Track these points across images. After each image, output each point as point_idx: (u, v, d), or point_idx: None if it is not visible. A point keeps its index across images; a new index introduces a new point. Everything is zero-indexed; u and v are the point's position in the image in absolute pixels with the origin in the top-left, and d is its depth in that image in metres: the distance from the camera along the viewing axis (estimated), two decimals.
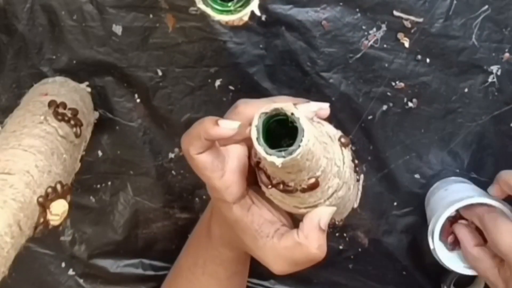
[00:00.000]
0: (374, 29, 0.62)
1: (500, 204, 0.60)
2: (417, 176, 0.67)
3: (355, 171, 0.52)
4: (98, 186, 0.69)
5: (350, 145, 0.51)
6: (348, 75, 0.64)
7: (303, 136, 0.41)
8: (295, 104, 0.44)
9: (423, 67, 0.63)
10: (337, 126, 0.65)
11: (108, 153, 0.68)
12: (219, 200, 0.50)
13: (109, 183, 0.69)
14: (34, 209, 0.49)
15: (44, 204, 0.50)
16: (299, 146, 0.41)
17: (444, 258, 0.63)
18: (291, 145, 0.42)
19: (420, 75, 0.64)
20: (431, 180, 0.67)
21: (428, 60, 0.63)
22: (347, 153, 0.50)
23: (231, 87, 0.65)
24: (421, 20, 0.62)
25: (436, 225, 0.61)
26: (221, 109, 0.65)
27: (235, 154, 0.50)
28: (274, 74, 0.64)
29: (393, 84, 0.64)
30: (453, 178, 0.66)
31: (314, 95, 0.65)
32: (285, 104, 0.42)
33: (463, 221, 0.64)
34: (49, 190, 0.51)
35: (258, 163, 0.49)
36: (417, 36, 0.62)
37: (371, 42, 0.63)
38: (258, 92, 0.65)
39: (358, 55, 0.63)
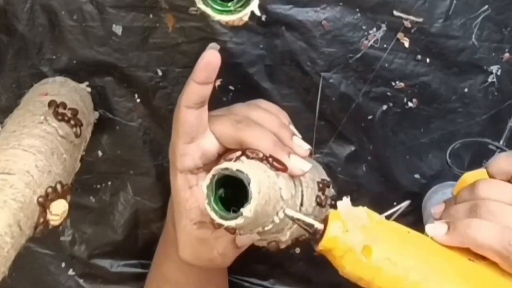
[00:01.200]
0: (374, 29, 0.62)
1: None
2: (417, 176, 0.67)
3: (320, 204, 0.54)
4: (98, 186, 0.69)
5: (328, 188, 0.53)
6: (348, 75, 0.64)
7: (250, 201, 0.42)
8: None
9: (423, 67, 0.63)
10: (337, 126, 0.66)
11: (108, 153, 0.68)
12: (172, 163, 0.53)
13: (109, 183, 0.69)
14: (34, 209, 0.49)
15: (44, 204, 0.50)
16: (250, 210, 0.42)
17: None
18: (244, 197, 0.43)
19: (420, 75, 0.64)
20: (431, 181, 0.67)
21: (428, 60, 0.63)
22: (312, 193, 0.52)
23: (231, 87, 0.65)
24: (421, 20, 0.62)
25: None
26: None
27: (212, 142, 0.52)
28: (274, 74, 0.64)
29: (393, 84, 0.64)
30: (450, 182, 0.66)
31: (314, 95, 0.65)
32: (234, 164, 0.44)
33: None
34: (49, 190, 0.51)
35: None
36: (417, 36, 0.62)
37: (371, 42, 0.63)
38: (258, 92, 0.65)
39: (358, 55, 0.63)
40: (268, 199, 0.45)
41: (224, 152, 0.53)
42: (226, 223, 0.43)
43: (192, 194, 0.53)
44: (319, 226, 0.44)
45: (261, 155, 0.48)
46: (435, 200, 0.64)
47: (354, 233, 0.43)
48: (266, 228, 0.48)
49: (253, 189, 0.42)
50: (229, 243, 0.52)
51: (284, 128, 0.53)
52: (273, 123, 0.53)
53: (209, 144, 0.52)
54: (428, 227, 0.48)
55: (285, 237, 0.51)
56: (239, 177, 0.43)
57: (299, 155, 0.51)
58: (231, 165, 0.43)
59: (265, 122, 0.52)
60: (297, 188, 0.51)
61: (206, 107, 0.51)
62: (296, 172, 0.50)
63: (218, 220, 0.43)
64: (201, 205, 0.51)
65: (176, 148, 0.52)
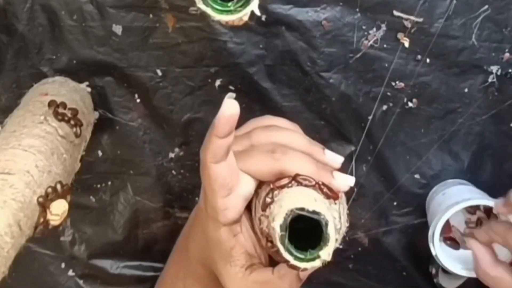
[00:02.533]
0: (374, 29, 0.62)
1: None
2: (417, 176, 0.67)
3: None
4: (98, 186, 0.69)
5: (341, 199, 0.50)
6: (348, 75, 0.64)
7: (328, 244, 0.41)
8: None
9: (423, 67, 0.63)
10: (337, 126, 0.66)
11: (108, 153, 0.68)
12: (211, 217, 0.50)
13: (109, 183, 0.69)
14: (34, 209, 0.49)
15: (44, 204, 0.50)
16: (328, 254, 0.41)
17: (447, 263, 0.63)
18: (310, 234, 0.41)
19: (420, 75, 0.64)
20: (431, 180, 0.67)
21: (428, 60, 0.63)
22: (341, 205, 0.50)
23: (231, 87, 0.65)
24: (421, 20, 0.62)
25: (435, 230, 0.61)
26: None
27: (248, 183, 0.50)
28: (274, 74, 0.64)
29: (393, 84, 0.64)
30: (451, 180, 0.66)
31: (314, 95, 0.65)
32: (309, 204, 0.42)
33: (471, 225, 0.64)
34: (49, 190, 0.51)
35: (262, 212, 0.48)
36: (417, 36, 0.62)
37: (371, 42, 0.63)
38: (258, 92, 0.65)
39: (358, 55, 0.63)
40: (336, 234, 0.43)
41: (260, 185, 0.51)
42: (303, 265, 0.41)
43: (238, 241, 0.50)
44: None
45: (313, 182, 0.46)
46: (437, 201, 0.64)
47: None
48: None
49: (330, 231, 0.41)
50: (295, 279, 0.49)
51: (314, 145, 0.52)
52: (301, 142, 0.51)
53: (247, 187, 0.50)
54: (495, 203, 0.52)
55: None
56: (314, 218, 0.41)
57: (336, 169, 0.50)
58: (307, 205, 0.41)
59: (294, 144, 0.50)
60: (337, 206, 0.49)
61: (231, 152, 0.48)
62: (344, 189, 0.49)
63: (293, 262, 0.41)
64: (249, 249, 0.50)
65: (216, 204, 0.49)
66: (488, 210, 0.64)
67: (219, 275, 0.52)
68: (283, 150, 0.49)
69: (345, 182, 0.49)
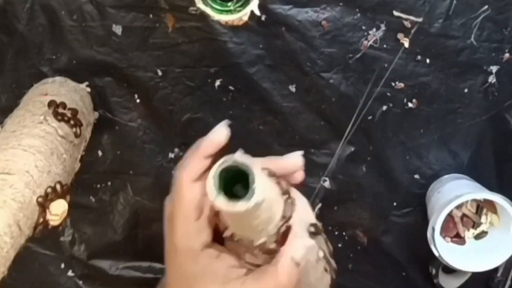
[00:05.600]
0: (374, 29, 0.62)
1: (498, 198, 0.60)
2: (417, 176, 0.67)
3: (326, 259, 0.51)
4: (98, 186, 0.69)
5: (321, 233, 0.50)
6: (348, 75, 0.64)
7: (256, 186, 0.41)
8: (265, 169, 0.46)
9: (423, 67, 0.63)
10: (337, 126, 0.66)
11: (108, 153, 0.68)
12: (186, 249, 0.49)
13: (109, 183, 0.69)
14: (34, 209, 0.49)
15: (43, 204, 0.50)
16: (258, 191, 0.41)
17: (454, 262, 0.63)
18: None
19: (420, 75, 0.64)
20: (431, 181, 0.67)
21: (428, 60, 0.63)
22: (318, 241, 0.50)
23: (231, 87, 0.65)
24: (420, 20, 0.62)
25: (435, 231, 0.61)
26: (220, 109, 0.66)
27: (208, 204, 0.49)
28: (274, 74, 0.64)
29: (393, 84, 0.64)
30: (446, 176, 0.66)
31: (314, 96, 0.65)
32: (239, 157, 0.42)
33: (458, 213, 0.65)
34: (49, 190, 0.51)
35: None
36: (417, 36, 0.62)
37: (370, 42, 0.63)
38: (258, 92, 0.65)
39: (358, 55, 0.63)
40: (269, 200, 0.44)
41: None
42: (235, 207, 0.41)
43: (222, 260, 0.49)
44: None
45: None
46: (438, 194, 0.64)
47: None
48: (260, 241, 0.47)
49: (257, 175, 0.41)
50: (289, 261, 0.48)
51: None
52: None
53: (209, 208, 0.49)
54: None
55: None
56: (243, 168, 0.41)
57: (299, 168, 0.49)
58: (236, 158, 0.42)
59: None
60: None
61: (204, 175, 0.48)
62: (290, 165, 0.49)
63: (225, 207, 0.41)
64: (235, 262, 0.49)
65: (188, 229, 0.48)
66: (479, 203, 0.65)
67: None
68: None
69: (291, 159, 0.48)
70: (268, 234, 0.46)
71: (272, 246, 0.47)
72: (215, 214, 0.49)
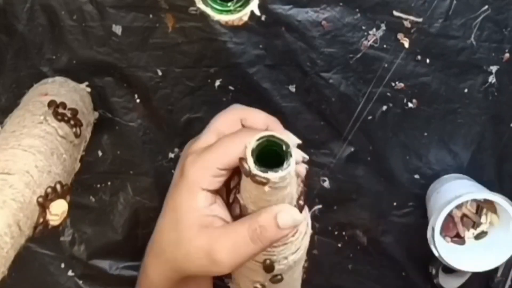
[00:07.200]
0: (374, 29, 0.62)
1: (498, 198, 0.60)
2: (417, 176, 0.67)
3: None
4: (98, 186, 0.69)
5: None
6: (348, 75, 0.64)
7: (290, 157, 0.45)
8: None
9: (423, 67, 0.63)
10: (337, 126, 0.66)
11: (108, 153, 0.68)
12: (191, 182, 0.50)
13: (109, 183, 0.69)
14: (34, 209, 0.49)
15: (43, 204, 0.50)
16: (288, 165, 0.45)
17: (454, 262, 0.63)
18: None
19: (420, 75, 0.64)
20: (431, 181, 0.67)
21: (428, 60, 0.63)
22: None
23: (231, 87, 0.65)
24: (420, 20, 0.62)
25: (435, 232, 0.61)
26: (220, 109, 0.65)
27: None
28: (274, 74, 0.64)
29: (393, 84, 0.64)
30: (446, 176, 0.66)
31: (314, 95, 0.65)
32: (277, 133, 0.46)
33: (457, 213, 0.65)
34: (49, 190, 0.51)
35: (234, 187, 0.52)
36: (417, 36, 0.62)
37: (370, 42, 0.63)
38: (258, 92, 0.65)
39: (358, 55, 0.63)
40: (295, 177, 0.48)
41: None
42: (273, 175, 0.44)
43: (214, 209, 0.51)
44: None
45: None
46: (438, 194, 0.65)
47: None
48: None
49: (293, 151, 0.45)
50: (273, 221, 0.49)
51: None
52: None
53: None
54: None
55: (276, 257, 0.51)
56: (280, 143, 0.45)
57: None
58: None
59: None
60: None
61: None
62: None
63: (263, 174, 0.44)
64: (225, 217, 0.51)
65: (211, 167, 0.50)
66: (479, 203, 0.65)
67: (200, 246, 0.50)
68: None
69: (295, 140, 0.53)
70: None
71: None
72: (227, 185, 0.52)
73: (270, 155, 0.46)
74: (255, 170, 0.45)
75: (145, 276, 0.57)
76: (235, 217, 0.51)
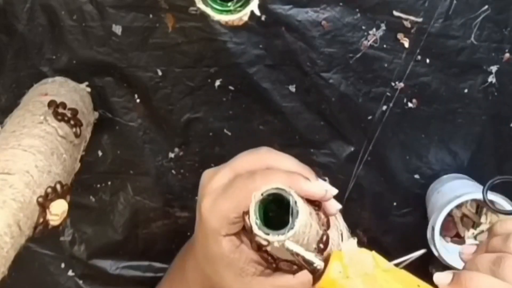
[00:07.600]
0: (374, 29, 0.62)
1: (498, 198, 0.60)
2: (417, 176, 0.67)
3: None
4: (98, 186, 0.69)
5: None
6: (348, 75, 0.64)
7: (298, 216, 0.41)
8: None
9: (423, 67, 0.63)
10: (337, 127, 0.66)
11: (108, 153, 0.68)
12: (211, 230, 0.49)
13: (109, 183, 0.69)
14: (34, 209, 0.49)
15: (43, 204, 0.50)
16: (299, 221, 0.41)
17: (453, 261, 0.63)
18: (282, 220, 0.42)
19: (420, 75, 0.64)
20: (431, 181, 0.67)
21: (428, 60, 0.63)
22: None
23: (231, 87, 0.65)
24: (420, 20, 0.62)
25: (435, 232, 0.61)
26: (221, 109, 0.66)
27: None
28: (274, 74, 0.64)
29: (393, 84, 0.64)
30: (446, 176, 0.66)
31: (314, 95, 0.65)
32: (282, 184, 0.42)
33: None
34: (49, 190, 0.51)
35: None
36: (417, 36, 0.62)
37: (370, 42, 0.63)
38: (258, 92, 0.65)
39: (358, 55, 0.63)
40: (309, 225, 0.44)
41: None
42: (276, 238, 0.41)
43: (242, 251, 0.49)
44: (319, 265, 0.42)
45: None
46: (434, 199, 0.64)
47: (355, 281, 0.41)
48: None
49: (299, 203, 0.41)
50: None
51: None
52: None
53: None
54: (435, 276, 0.47)
55: None
56: (285, 196, 0.42)
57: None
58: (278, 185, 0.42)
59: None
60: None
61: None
62: (319, 194, 0.48)
63: (265, 236, 0.41)
64: (255, 257, 0.49)
65: (227, 216, 0.48)
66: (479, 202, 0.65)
67: None
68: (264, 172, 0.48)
69: (319, 188, 0.47)
70: None
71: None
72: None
73: (284, 204, 0.42)
74: (256, 229, 0.41)
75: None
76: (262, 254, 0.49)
